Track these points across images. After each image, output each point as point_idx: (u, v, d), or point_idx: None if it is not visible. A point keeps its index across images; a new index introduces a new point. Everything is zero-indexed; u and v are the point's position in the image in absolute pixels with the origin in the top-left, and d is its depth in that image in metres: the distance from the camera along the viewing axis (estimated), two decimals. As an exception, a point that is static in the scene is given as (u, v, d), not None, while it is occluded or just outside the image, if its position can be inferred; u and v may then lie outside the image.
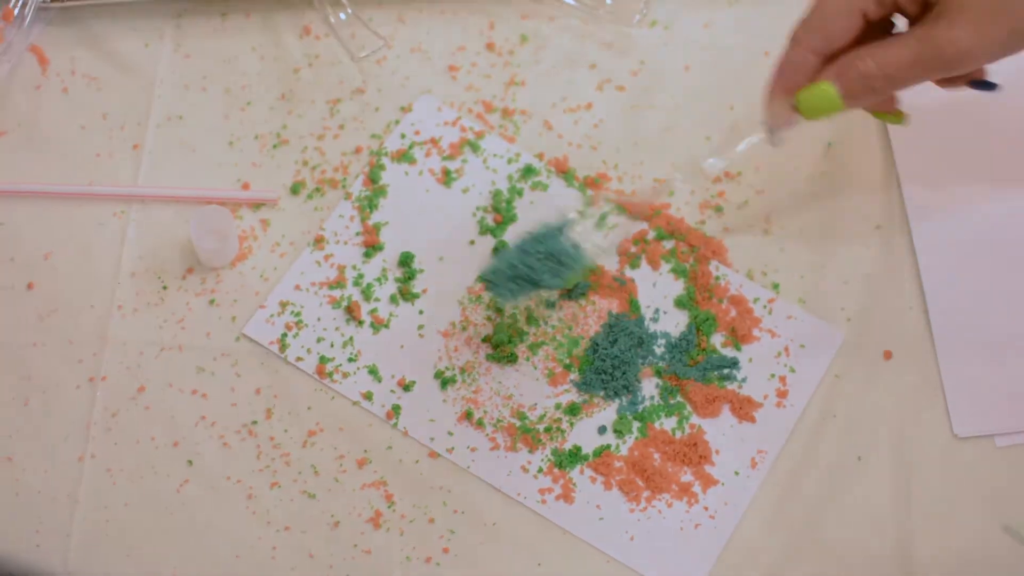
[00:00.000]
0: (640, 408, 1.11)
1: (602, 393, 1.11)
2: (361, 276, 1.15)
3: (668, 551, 1.07)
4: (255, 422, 1.10)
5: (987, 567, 1.07)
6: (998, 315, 1.15)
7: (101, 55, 1.23)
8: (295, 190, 1.18)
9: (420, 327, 1.14)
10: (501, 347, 1.12)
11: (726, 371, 1.12)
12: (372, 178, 1.18)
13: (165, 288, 1.14)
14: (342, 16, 1.22)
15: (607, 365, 1.12)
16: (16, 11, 1.20)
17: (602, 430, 1.10)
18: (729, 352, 1.13)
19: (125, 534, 1.07)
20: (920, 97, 1.22)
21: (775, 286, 1.15)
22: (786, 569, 1.07)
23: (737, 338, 1.13)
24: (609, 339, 1.13)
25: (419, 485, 1.08)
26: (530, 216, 1.17)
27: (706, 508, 1.08)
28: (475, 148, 1.19)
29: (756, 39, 1.24)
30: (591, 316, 1.14)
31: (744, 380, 1.12)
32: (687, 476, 1.09)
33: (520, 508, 1.08)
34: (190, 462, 1.09)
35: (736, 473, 1.09)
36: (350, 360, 1.12)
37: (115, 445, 1.09)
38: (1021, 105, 1.22)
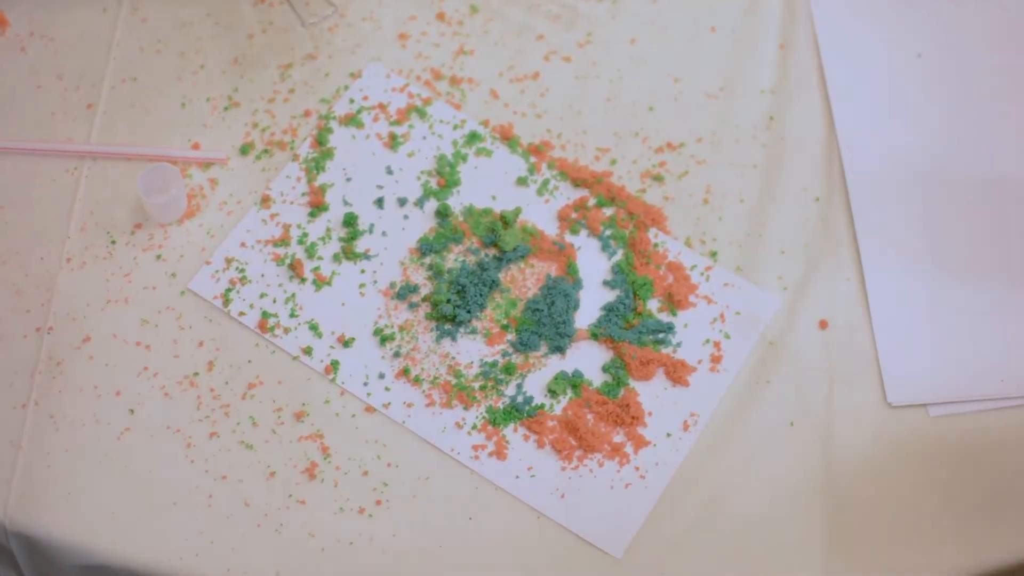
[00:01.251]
0: (574, 369, 1.13)
1: (539, 351, 1.13)
2: (306, 235, 1.17)
3: (598, 509, 1.08)
4: (196, 374, 1.12)
5: (915, 535, 1.08)
6: (934, 288, 1.16)
7: (59, 17, 1.25)
8: (244, 151, 1.20)
9: (362, 286, 1.16)
10: (439, 306, 1.14)
11: (661, 335, 1.14)
12: (319, 140, 1.21)
13: (113, 243, 1.17)
14: (295, -17, 1.24)
15: (543, 327, 1.14)
16: (-21, -25, 1.23)
17: (537, 390, 1.12)
18: (665, 317, 1.15)
19: (66, 480, 1.09)
20: (865, 70, 1.24)
21: (713, 254, 1.17)
22: (713, 531, 1.08)
23: (673, 303, 1.15)
24: (547, 301, 1.15)
25: (355, 439, 1.10)
26: (474, 180, 1.19)
27: (637, 468, 1.10)
28: (422, 114, 1.22)
29: (702, 14, 1.26)
30: (530, 279, 1.16)
31: (679, 345, 1.14)
32: (619, 437, 1.11)
33: (453, 463, 1.10)
34: (131, 411, 1.11)
35: (668, 435, 1.11)
36: (291, 316, 1.14)
37: (59, 393, 1.12)
38: (953, 72, 1.24)
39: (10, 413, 1.11)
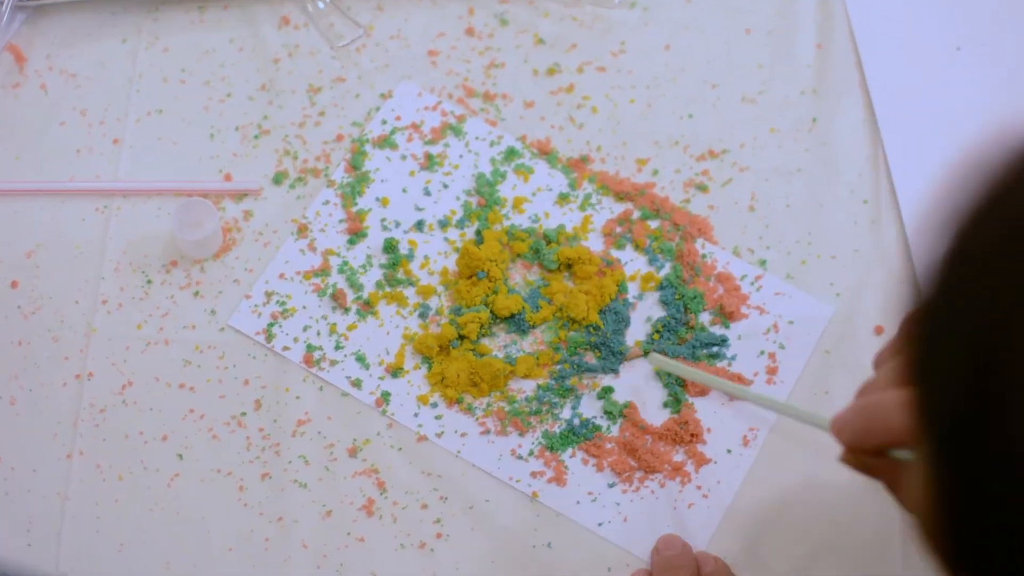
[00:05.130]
0: (625, 401, 1.10)
1: (593, 373, 1.11)
2: (346, 263, 1.14)
3: (662, 531, 1.06)
4: (244, 413, 1.09)
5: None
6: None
7: (79, 51, 1.22)
8: (278, 180, 1.17)
9: (407, 313, 1.13)
10: (466, 327, 1.11)
11: (715, 349, 1.12)
12: (354, 164, 1.18)
13: (149, 282, 1.14)
14: (320, 5, 1.21)
15: (595, 346, 1.11)
16: (-8, 10, 1.20)
17: (592, 411, 1.10)
18: (718, 330, 1.13)
19: (116, 530, 1.06)
20: (905, 66, 1.22)
21: (762, 263, 1.15)
22: (781, 547, 1.06)
23: (725, 315, 1.13)
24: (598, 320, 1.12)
25: (411, 472, 1.08)
26: (514, 198, 1.16)
27: (699, 487, 1.08)
28: (457, 132, 1.19)
29: (735, 16, 1.24)
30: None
31: (734, 358, 1.12)
32: (679, 455, 1.09)
33: (512, 492, 1.07)
34: (180, 456, 1.08)
35: (728, 451, 1.09)
36: (337, 348, 1.12)
37: (103, 441, 1.09)
38: (992, 64, 1.22)
39: (55, 464, 1.08)
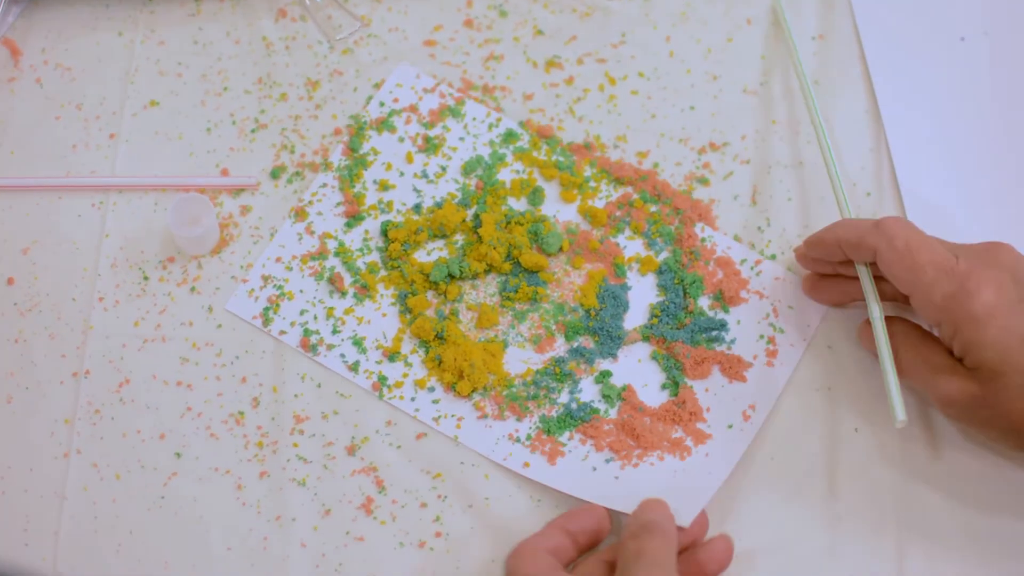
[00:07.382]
0: (623, 384, 1.10)
1: (592, 357, 1.10)
2: (343, 246, 1.14)
3: (662, 493, 1.02)
4: (241, 412, 1.09)
5: (976, 540, 1.05)
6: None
7: (74, 44, 1.21)
8: (275, 174, 1.16)
9: (404, 297, 1.12)
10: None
11: (714, 333, 1.11)
12: (352, 147, 1.17)
13: (146, 278, 1.13)
14: (318, -2, 1.20)
15: (593, 331, 1.10)
16: (-13, 5, 1.19)
17: (590, 395, 1.09)
18: (717, 314, 1.12)
19: (114, 529, 1.05)
20: (908, 57, 1.21)
21: (763, 255, 1.13)
22: (783, 522, 1.05)
23: (724, 300, 1.12)
24: (597, 305, 1.11)
25: (409, 470, 1.07)
26: (511, 180, 1.16)
27: (707, 455, 1.06)
28: (455, 113, 1.18)
29: (736, 6, 1.22)
30: (576, 280, 1.13)
31: (733, 341, 1.11)
32: (678, 433, 1.07)
33: (510, 486, 1.06)
34: (177, 454, 1.08)
35: (729, 427, 1.08)
36: (334, 332, 1.11)
37: (101, 440, 1.08)
38: (996, 55, 1.21)
39: (52, 463, 1.07)
